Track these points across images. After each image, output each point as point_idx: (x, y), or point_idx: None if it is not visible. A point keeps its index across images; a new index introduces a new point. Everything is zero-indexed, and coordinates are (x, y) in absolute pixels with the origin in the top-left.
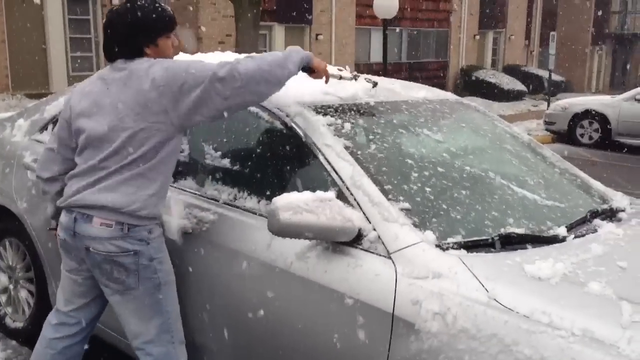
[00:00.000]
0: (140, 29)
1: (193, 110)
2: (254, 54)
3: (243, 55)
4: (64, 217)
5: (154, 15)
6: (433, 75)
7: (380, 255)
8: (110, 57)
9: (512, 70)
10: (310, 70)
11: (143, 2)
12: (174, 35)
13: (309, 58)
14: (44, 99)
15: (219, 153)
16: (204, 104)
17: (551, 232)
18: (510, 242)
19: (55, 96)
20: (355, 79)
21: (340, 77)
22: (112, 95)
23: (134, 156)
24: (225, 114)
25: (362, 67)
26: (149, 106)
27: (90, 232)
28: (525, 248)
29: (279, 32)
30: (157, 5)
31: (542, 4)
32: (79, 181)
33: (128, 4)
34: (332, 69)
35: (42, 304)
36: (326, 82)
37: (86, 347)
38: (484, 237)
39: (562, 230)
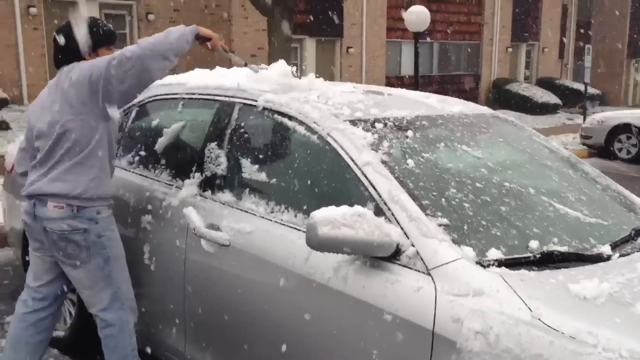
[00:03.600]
0: (81, 41)
1: (104, 97)
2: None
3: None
4: (26, 204)
5: (94, 29)
6: (464, 88)
7: (419, 271)
8: (57, 65)
9: (545, 83)
10: (203, 39)
11: (86, 17)
12: (115, 48)
13: (195, 29)
14: None
15: (256, 166)
16: (109, 90)
17: (595, 251)
18: (553, 261)
19: None
20: (246, 65)
21: (230, 59)
22: (50, 97)
23: (68, 144)
24: (131, 96)
25: (393, 80)
26: (69, 100)
27: (46, 214)
28: (569, 267)
29: (310, 45)
30: (97, 20)
31: (576, 16)
32: (34, 173)
33: (71, 20)
34: (222, 52)
35: (83, 314)
36: (213, 48)
37: None
38: (525, 255)
39: (606, 249)
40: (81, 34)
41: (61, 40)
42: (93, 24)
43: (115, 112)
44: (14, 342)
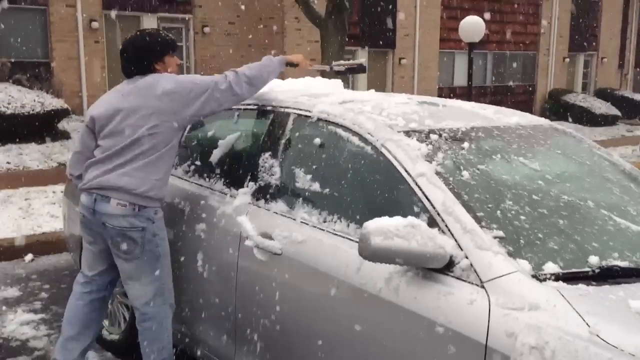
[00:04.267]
0: (148, 51)
1: (195, 112)
2: (247, 66)
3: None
4: (84, 198)
5: (159, 39)
6: (519, 99)
7: (472, 283)
8: (128, 75)
9: (604, 94)
10: (292, 64)
11: (150, 30)
12: (177, 56)
13: (283, 61)
14: None
15: (310, 176)
16: (206, 107)
17: None
18: (613, 276)
19: None
20: (331, 69)
21: (317, 70)
22: (129, 101)
23: (146, 147)
24: (216, 110)
25: (445, 91)
26: (161, 107)
27: (108, 210)
28: (629, 282)
29: (362, 56)
30: (160, 32)
31: (637, 25)
32: (98, 168)
33: (138, 33)
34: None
35: None
36: (309, 66)
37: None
38: (583, 269)
39: None
40: (149, 44)
41: (131, 51)
42: (157, 34)
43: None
44: (70, 317)
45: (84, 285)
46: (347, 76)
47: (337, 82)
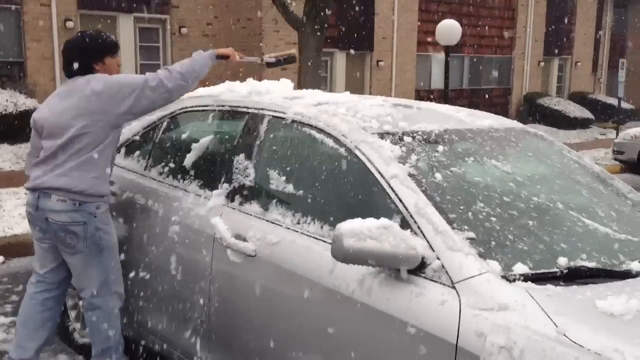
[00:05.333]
0: (88, 52)
1: (127, 110)
2: (179, 62)
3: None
4: (29, 196)
5: (99, 41)
6: (495, 102)
7: (444, 284)
8: (69, 75)
9: (578, 98)
10: (223, 57)
11: (91, 31)
12: (118, 57)
13: (213, 54)
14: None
15: (284, 178)
16: (136, 106)
17: (624, 267)
18: (580, 276)
19: None
20: (262, 60)
21: (248, 63)
22: (63, 103)
23: (80, 145)
24: (149, 112)
25: (423, 94)
26: (91, 107)
27: (50, 206)
28: (597, 282)
29: (340, 58)
30: (102, 33)
31: (610, 30)
32: (40, 168)
33: (79, 34)
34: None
35: None
36: (239, 59)
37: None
38: (552, 270)
39: (635, 265)
40: (88, 45)
41: (72, 52)
42: (97, 36)
43: (128, 123)
44: (24, 317)
45: (36, 285)
46: (279, 68)
47: (286, 82)
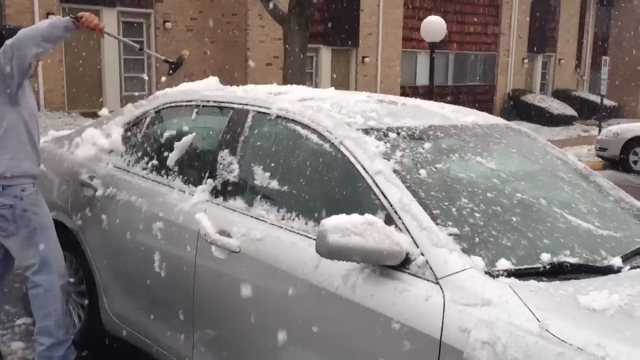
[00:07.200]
0: None
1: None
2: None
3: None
4: None
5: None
6: (480, 99)
7: (428, 280)
8: None
9: (562, 95)
10: (80, 24)
11: None
12: None
13: (69, 18)
14: (100, 117)
15: (268, 173)
16: (2, 75)
17: (606, 263)
18: (563, 272)
19: (114, 114)
20: (141, 49)
21: (119, 41)
22: None
23: None
24: (17, 79)
25: (408, 90)
26: None
27: None
28: (579, 278)
29: (325, 54)
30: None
31: (594, 28)
32: None
33: None
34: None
35: (93, 317)
36: (100, 33)
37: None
38: (535, 266)
39: (617, 261)
40: None
41: None
42: None
43: (22, 99)
44: None
45: None
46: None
47: (214, 80)
